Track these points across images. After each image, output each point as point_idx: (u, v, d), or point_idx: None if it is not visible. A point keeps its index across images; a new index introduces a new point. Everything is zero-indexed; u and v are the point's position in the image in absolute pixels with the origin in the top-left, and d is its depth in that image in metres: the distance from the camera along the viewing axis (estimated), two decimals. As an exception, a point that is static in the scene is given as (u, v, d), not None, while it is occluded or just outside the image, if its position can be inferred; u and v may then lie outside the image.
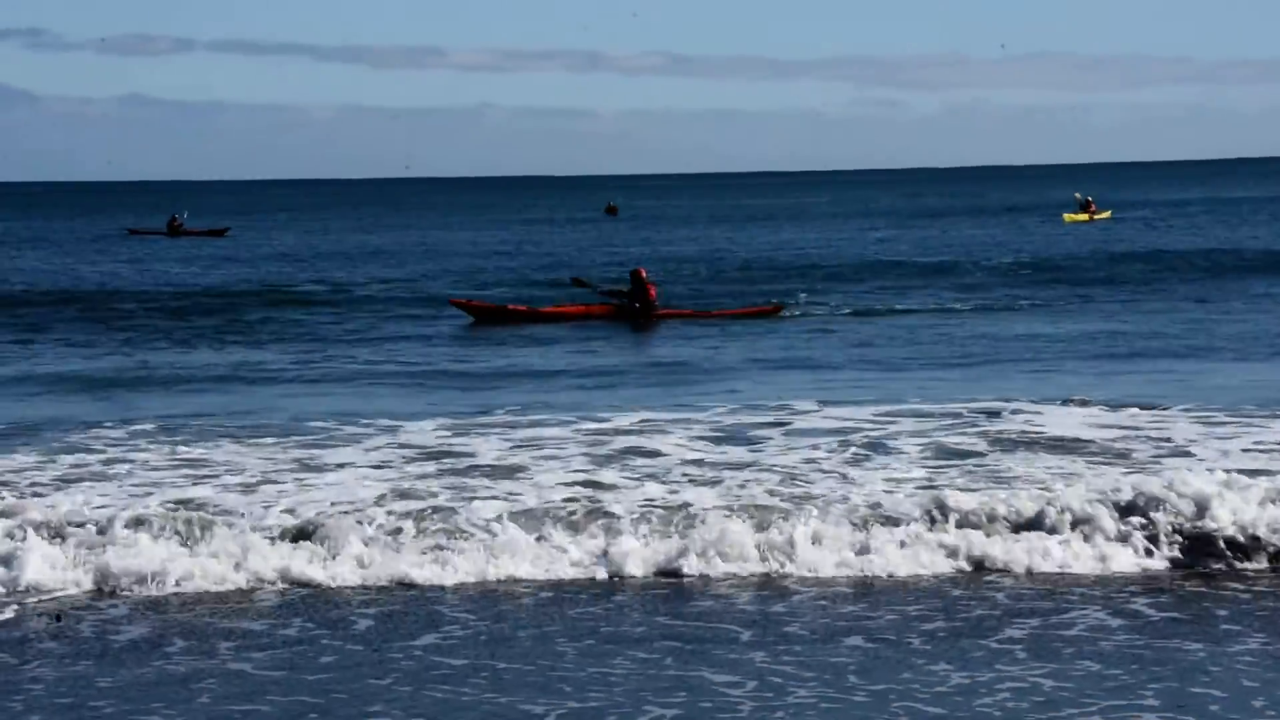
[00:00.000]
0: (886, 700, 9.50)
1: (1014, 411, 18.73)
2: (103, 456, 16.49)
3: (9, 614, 11.50)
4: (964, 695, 9.57)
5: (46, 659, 10.43)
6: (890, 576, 12.43)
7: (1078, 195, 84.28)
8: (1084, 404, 19.16)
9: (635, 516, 13.27)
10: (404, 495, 14.18)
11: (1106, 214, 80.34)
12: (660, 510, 13.50)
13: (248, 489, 14.70)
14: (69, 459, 16.32)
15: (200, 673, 10.06)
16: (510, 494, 14.23)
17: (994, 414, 18.55)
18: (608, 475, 15.28)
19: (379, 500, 13.97)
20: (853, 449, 16.50)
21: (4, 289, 41.77)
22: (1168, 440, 16.88)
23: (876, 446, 16.72)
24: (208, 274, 49.05)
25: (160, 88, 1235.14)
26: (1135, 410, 18.61)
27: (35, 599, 11.80)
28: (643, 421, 18.40)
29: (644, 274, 32.76)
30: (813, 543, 12.79)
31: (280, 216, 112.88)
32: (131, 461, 16.19)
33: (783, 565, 12.61)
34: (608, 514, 13.42)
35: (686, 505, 13.62)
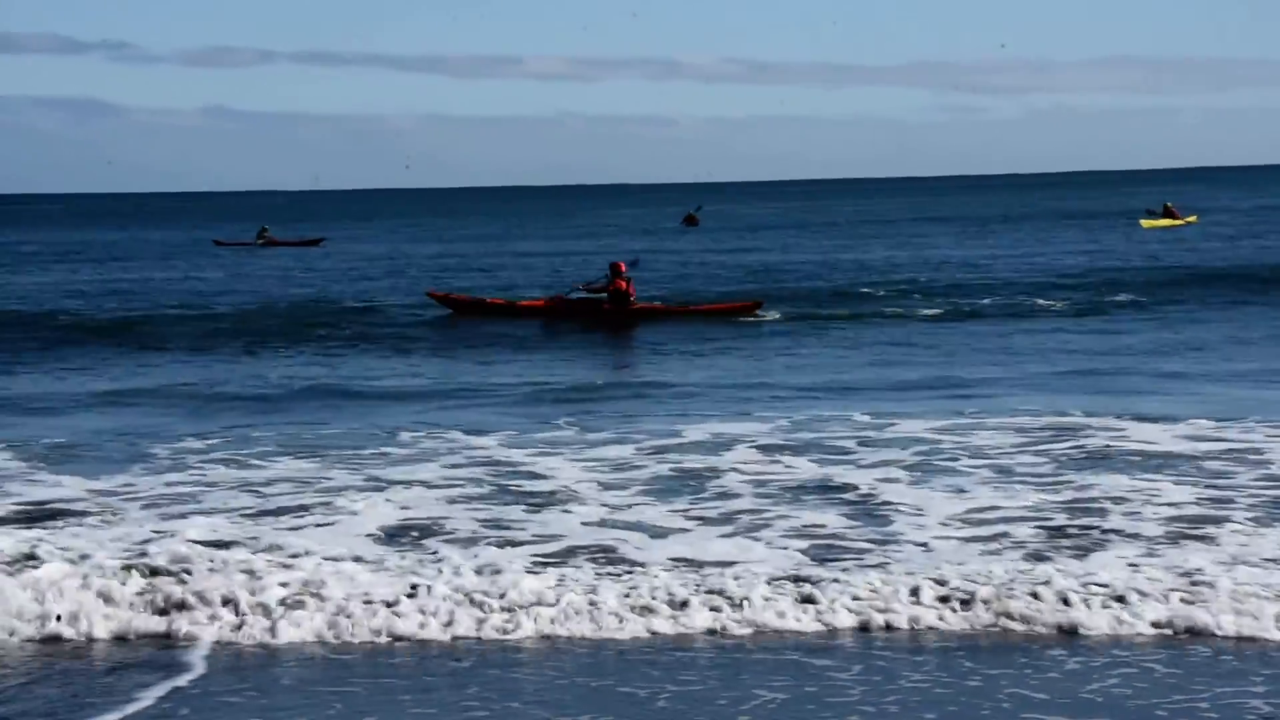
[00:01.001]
0: None
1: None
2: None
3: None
4: None
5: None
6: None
7: (1155, 208, 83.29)
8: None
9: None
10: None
11: (1192, 218, 79.76)
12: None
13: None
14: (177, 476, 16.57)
15: None
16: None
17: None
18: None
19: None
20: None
21: (114, 307, 41.22)
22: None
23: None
24: (333, 285, 48.71)
25: (242, 99, 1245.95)
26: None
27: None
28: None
29: (622, 268, 33.11)
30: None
31: (369, 226, 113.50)
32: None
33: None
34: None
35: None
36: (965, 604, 11.28)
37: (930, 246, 66.79)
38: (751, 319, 33.48)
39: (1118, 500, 14.55)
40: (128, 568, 11.91)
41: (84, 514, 14.45)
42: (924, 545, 13.11)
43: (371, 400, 22.70)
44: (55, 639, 11.03)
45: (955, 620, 11.14)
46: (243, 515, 14.38)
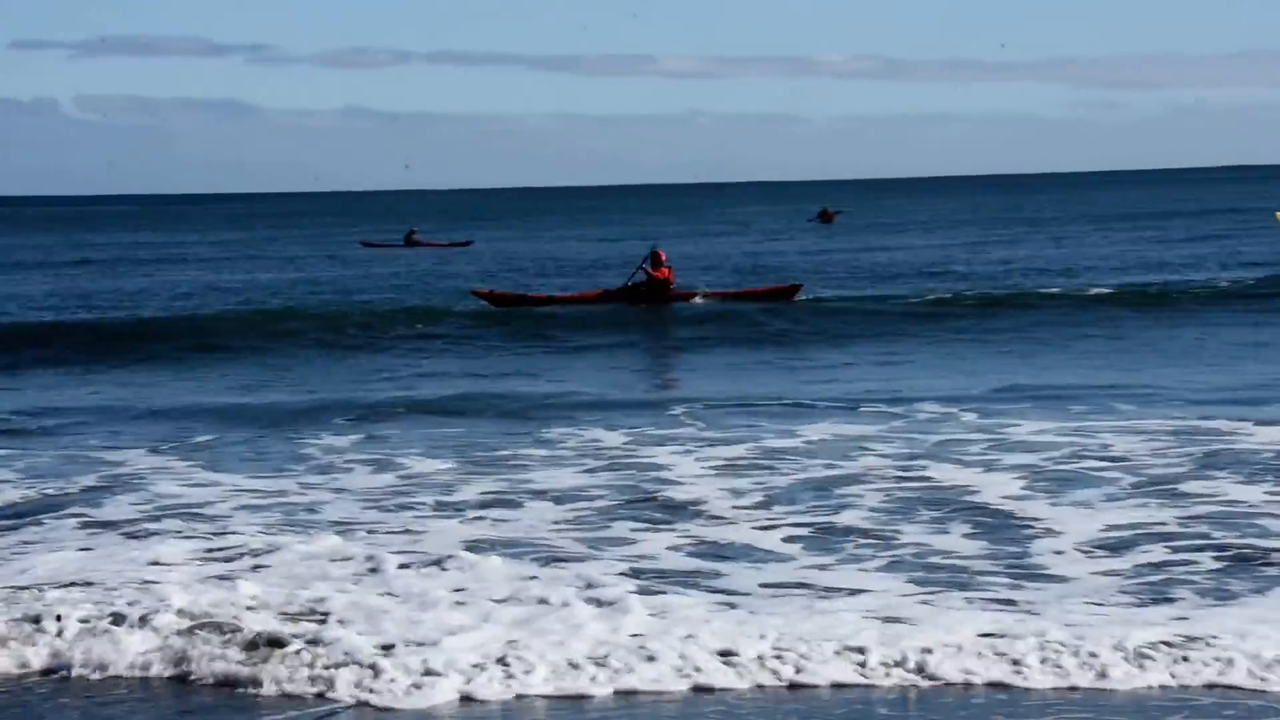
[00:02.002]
0: None
1: None
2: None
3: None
4: None
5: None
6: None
7: None
8: None
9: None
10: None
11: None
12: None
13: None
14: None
15: None
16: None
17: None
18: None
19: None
20: None
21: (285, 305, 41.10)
22: None
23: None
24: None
25: (378, 99, 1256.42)
26: None
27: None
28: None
29: (662, 256, 33.38)
30: None
31: (509, 225, 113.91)
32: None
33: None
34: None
35: None
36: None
37: (1089, 243, 65.64)
38: (790, 302, 33.78)
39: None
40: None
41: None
42: (1062, 578, 11.75)
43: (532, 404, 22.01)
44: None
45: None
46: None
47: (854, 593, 11.29)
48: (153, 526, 13.83)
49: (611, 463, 16.83)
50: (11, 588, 11.22)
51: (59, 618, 10.45)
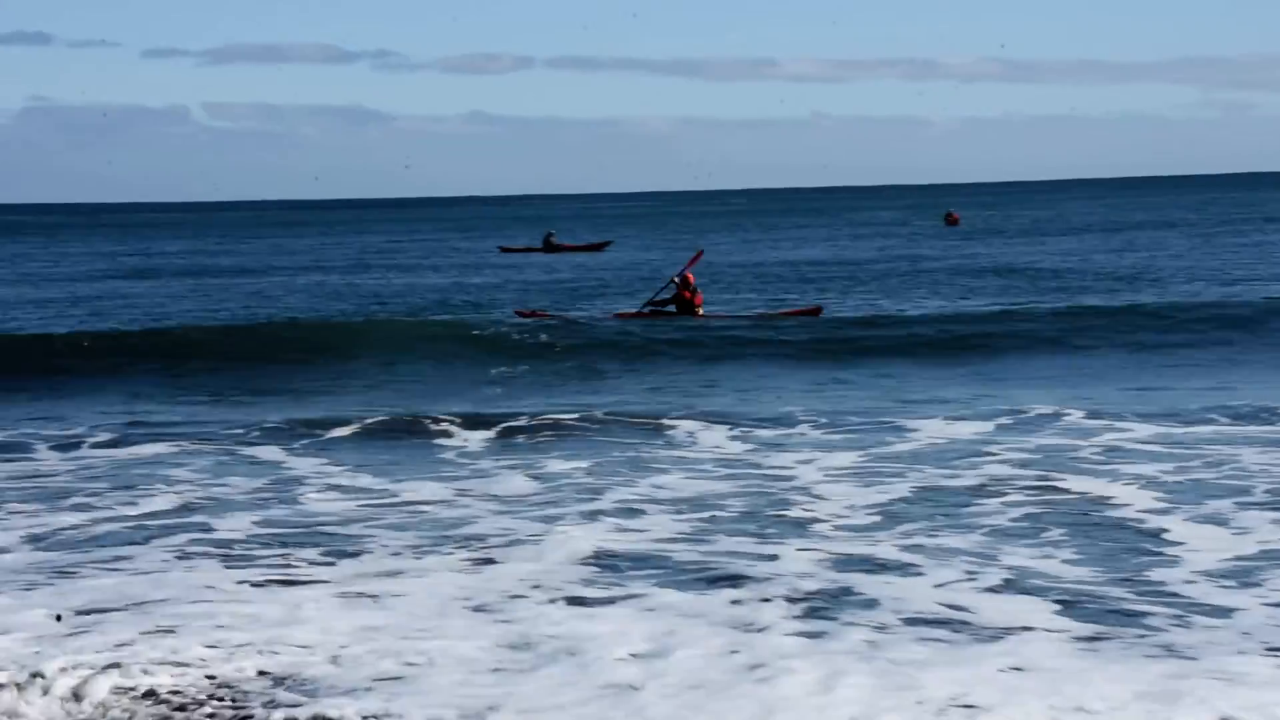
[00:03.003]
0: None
1: None
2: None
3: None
4: None
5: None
6: None
7: None
8: None
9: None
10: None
11: None
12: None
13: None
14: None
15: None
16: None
17: None
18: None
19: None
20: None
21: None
22: None
23: None
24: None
25: (501, 105, 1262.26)
26: None
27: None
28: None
29: (690, 279, 33.72)
30: None
31: (639, 229, 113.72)
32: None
33: None
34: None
35: None
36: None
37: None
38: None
39: None
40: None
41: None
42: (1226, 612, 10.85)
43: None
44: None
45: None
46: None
47: (1001, 635, 10.45)
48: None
49: (741, 471, 16.81)
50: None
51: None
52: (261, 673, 9.76)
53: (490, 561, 12.75)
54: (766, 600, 11.31)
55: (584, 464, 17.50)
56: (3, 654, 10.00)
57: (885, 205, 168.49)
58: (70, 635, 10.43)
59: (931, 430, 19.22)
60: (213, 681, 9.62)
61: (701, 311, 33.35)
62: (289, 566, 12.70)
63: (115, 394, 25.44)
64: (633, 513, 14.72)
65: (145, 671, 9.69)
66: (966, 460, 17.05)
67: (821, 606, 11.16)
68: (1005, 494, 15.17)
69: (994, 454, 17.38)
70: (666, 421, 20.51)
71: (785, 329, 32.06)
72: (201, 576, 12.33)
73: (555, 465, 17.51)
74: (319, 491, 16.30)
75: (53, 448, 19.46)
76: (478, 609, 11.24)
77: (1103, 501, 14.76)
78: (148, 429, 20.88)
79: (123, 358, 29.51)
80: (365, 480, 16.95)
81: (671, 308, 33.48)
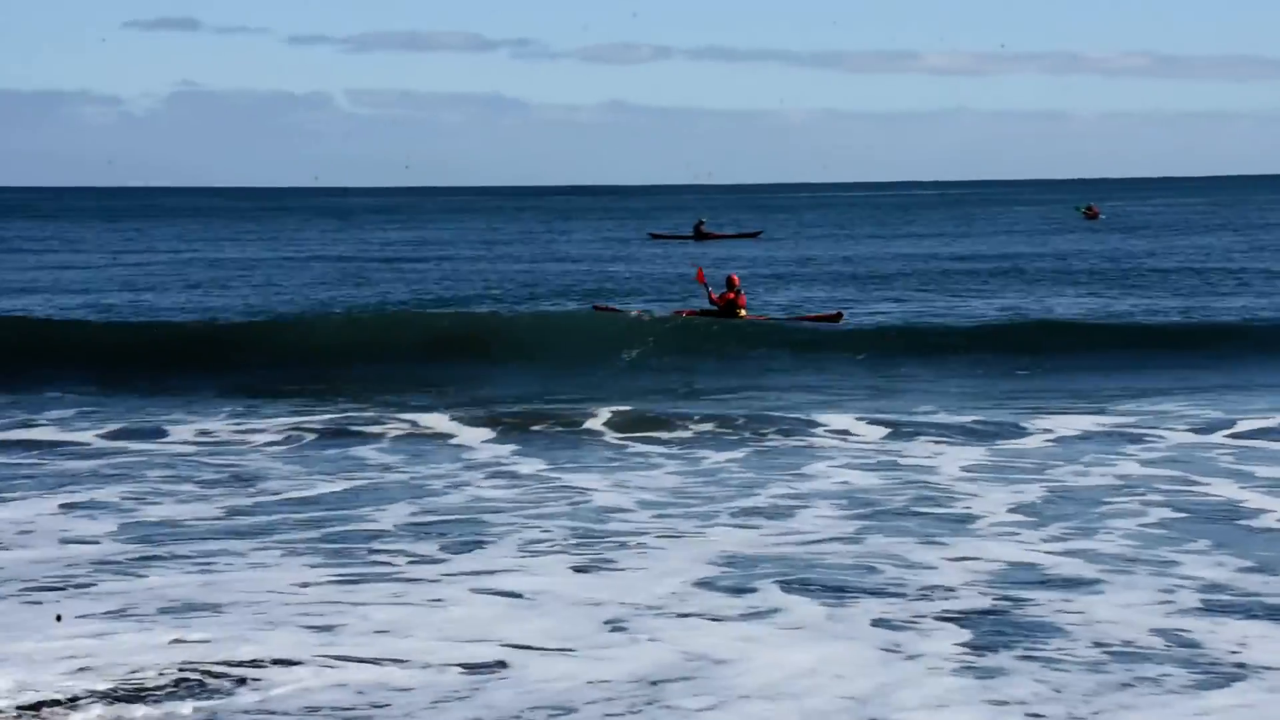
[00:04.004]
0: None
1: None
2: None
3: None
4: None
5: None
6: None
7: None
8: None
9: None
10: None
11: None
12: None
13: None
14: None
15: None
16: None
17: None
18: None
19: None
20: None
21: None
22: None
23: None
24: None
25: (640, 94, 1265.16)
26: None
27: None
28: None
29: (735, 281, 33.12)
30: None
31: (784, 220, 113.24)
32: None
33: None
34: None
35: None
36: None
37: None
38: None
39: None
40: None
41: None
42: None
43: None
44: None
45: None
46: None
47: (1230, 673, 8.97)
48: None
49: (896, 472, 16.50)
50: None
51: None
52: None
53: (618, 568, 12.27)
54: (922, 628, 10.26)
55: (738, 458, 17.32)
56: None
57: (1027, 200, 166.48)
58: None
59: (1088, 431, 18.71)
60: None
61: (745, 313, 33.07)
62: (424, 563, 12.47)
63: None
64: (783, 512, 14.39)
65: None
66: (1113, 467, 16.48)
67: (991, 635, 10.03)
68: (1176, 506, 14.57)
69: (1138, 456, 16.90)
70: (821, 418, 20.16)
71: (933, 331, 31.54)
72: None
73: (710, 460, 17.25)
74: (490, 479, 16.21)
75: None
76: (613, 624, 10.59)
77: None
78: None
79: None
80: (530, 471, 16.87)
81: (714, 308, 33.02)
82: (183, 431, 19.76)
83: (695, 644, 9.93)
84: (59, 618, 10.63)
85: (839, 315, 33.83)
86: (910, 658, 9.60)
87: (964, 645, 9.82)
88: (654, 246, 71.95)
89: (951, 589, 11.29)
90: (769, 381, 25.39)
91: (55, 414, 21.34)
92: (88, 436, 19.37)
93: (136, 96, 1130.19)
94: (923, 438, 18.74)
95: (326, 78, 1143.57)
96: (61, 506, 14.91)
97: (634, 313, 35.35)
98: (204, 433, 19.70)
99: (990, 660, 9.52)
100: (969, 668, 9.35)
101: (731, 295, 33.01)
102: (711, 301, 33.01)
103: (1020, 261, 57.66)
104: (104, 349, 28.02)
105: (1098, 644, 9.77)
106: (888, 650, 9.77)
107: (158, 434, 19.64)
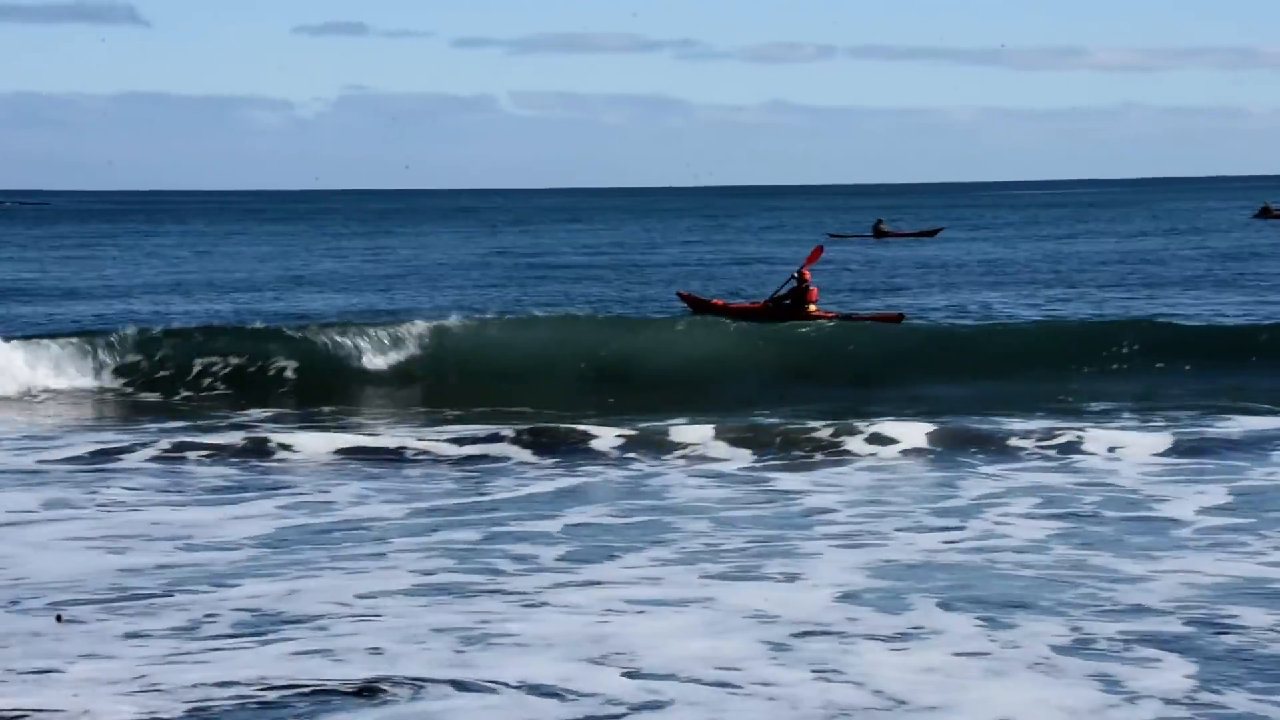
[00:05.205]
0: None
1: None
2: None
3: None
4: None
5: None
6: None
7: None
8: None
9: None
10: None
11: None
12: None
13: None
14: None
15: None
16: None
17: None
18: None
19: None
20: None
21: None
22: None
23: None
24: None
25: (803, 94, 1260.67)
26: None
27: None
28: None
29: (806, 275, 32.63)
30: None
31: (953, 218, 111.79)
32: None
33: None
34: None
35: None
36: None
37: None
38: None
39: None
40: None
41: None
42: None
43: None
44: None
45: None
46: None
47: None
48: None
49: (1096, 478, 15.85)
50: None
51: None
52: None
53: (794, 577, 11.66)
54: (1138, 658, 9.25)
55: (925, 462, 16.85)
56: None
57: (1191, 198, 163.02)
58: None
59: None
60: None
61: (814, 308, 32.39)
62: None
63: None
64: (972, 519, 13.78)
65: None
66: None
67: (1219, 665, 9.07)
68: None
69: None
70: (1021, 426, 19.36)
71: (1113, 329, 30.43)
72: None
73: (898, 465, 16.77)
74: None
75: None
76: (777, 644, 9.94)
77: None
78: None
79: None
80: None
81: (788, 301, 32.53)
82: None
83: (877, 677, 9.09)
84: (59, 618, 10.48)
85: (900, 316, 33.10)
86: (1133, 698, 8.65)
87: (1194, 679, 8.87)
88: (833, 246, 70.98)
89: (1160, 609, 10.40)
90: (948, 384, 24.69)
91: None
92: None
93: (306, 100, 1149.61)
94: (1106, 437, 18.00)
95: (491, 80, 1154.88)
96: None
97: (716, 301, 35.39)
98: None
99: (1230, 699, 8.58)
100: (1211, 713, 8.37)
101: (799, 289, 32.65)
102: (772, 300, 32.63)
103: (1212, 264, 55.69)
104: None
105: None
106: (1108, 688, 8.82)
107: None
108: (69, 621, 10.43)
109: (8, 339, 25.35)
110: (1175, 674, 9.01)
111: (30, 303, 42.38)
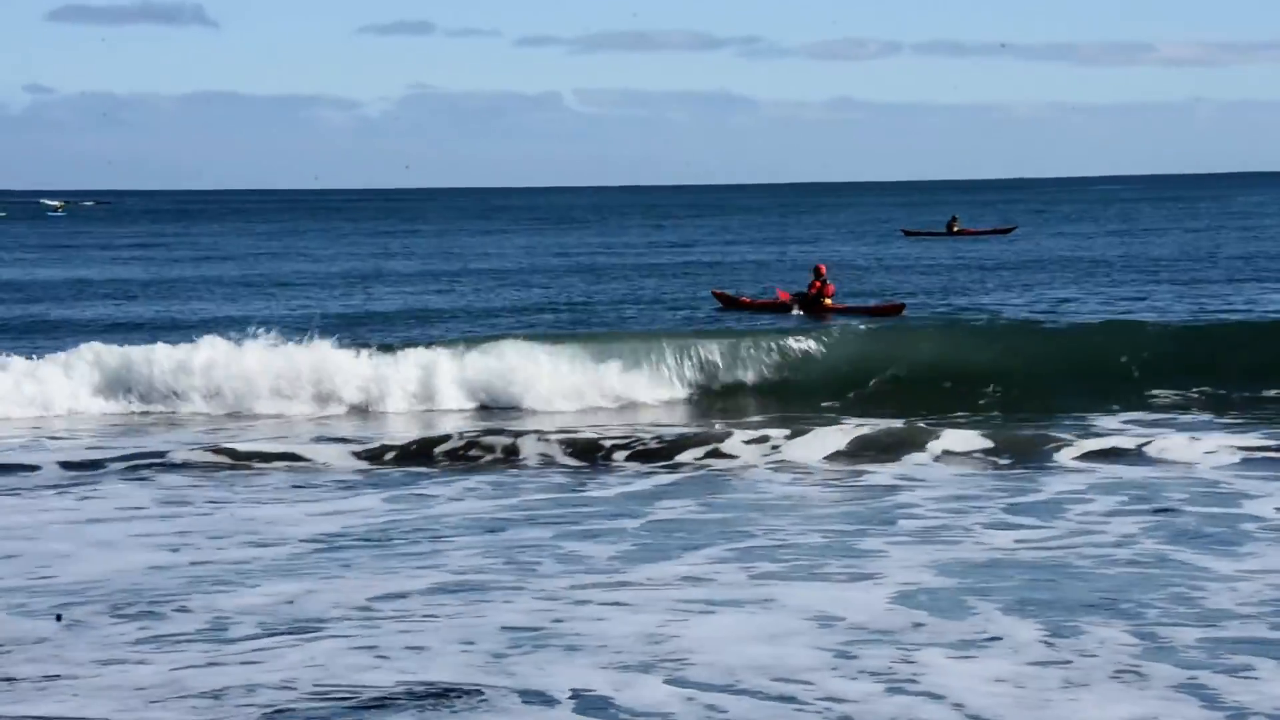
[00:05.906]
0: None
1: None
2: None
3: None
4: None
5: None
6: None
7: None
8: None
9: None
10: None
11: None
12: None
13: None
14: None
15: None
16: None
17: None
18: None
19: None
20: None
21: None
22: None
23: None
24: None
25: (868, 90, 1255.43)
26: None
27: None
28: None
29: (822, 270, 33.55)
30: None
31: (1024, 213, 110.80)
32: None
33: None
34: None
35: None
36: None
37: None
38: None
39: None
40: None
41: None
42: None
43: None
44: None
45: None
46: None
47: None
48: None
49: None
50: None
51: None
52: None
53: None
54: (1231, 666, 8.70)
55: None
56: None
57: (1258, 193, 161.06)
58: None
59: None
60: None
61: (830, 302, 32.31)
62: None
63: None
64: (1054, 515, 13.79)
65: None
66: None
67: None
68: None
69: None
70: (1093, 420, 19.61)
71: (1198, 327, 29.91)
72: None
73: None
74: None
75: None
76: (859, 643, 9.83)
77: None
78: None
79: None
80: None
81: (809, 296, 33.26)
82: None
83: (954, 688, 8.84)
84: (59, 618, 10.42)
85: (901, 307, 32.97)
86: (1238, 715, 8.18)
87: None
88: (907, 244, 70.69)
89: (1248, 615, 10.09)
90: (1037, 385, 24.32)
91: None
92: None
93: (373, 99, 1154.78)
94: (1187, 435, 18.09)
95: (555, 78, 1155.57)
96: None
97: (744, 299, 35.47)
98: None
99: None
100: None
101: (819, 285, 33.11)
102: (780, 299, 32.96)
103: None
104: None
105: None
106: (1207, 704, 8.33)
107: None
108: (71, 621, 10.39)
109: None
110: (1276, 685, 8.55)
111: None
